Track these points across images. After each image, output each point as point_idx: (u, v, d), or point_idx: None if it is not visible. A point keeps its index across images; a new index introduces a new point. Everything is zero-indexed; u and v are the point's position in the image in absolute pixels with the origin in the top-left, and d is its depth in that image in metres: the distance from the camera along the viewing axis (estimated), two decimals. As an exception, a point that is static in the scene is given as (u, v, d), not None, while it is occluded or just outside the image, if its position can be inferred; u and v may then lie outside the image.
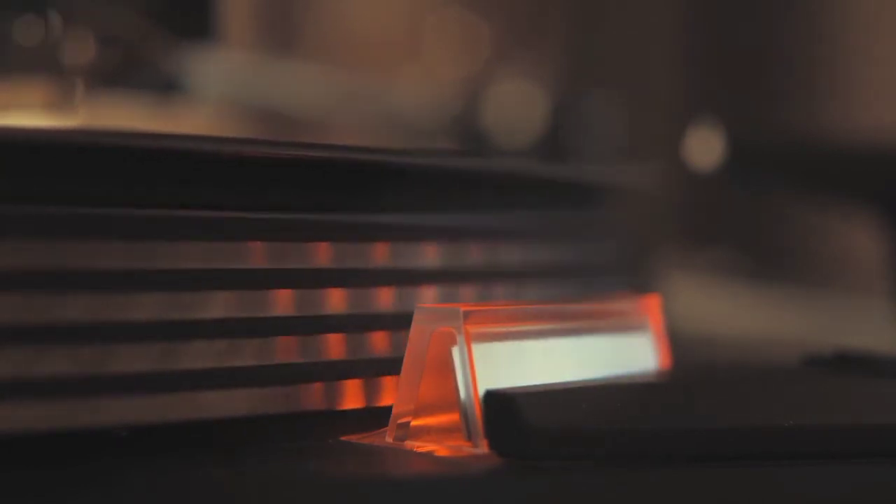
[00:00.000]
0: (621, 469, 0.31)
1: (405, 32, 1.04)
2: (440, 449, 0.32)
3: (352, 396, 0.34)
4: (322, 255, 0.33)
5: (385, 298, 0.34)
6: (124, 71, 0.58)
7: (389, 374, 0.34)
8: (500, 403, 0.32)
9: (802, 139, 0.68)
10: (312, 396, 0.33)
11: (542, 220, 0.40)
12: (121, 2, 0.59)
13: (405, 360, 0.33)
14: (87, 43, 0.57)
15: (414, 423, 0.33)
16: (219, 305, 0.32)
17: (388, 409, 0.33)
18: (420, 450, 0.32)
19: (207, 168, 0.32)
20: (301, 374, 0.33)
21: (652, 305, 0.39)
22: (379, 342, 0.34)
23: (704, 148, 0.54)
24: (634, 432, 0.32)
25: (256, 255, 0.32)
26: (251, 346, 0.32)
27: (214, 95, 0.62)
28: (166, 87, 0.60)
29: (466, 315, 0.32)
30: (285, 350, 0.33)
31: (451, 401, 0.32)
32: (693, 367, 0.41)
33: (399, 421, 0.33)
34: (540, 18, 1.12)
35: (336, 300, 0.33)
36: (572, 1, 1.15)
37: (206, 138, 0.32)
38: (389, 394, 0.34)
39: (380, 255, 0.34)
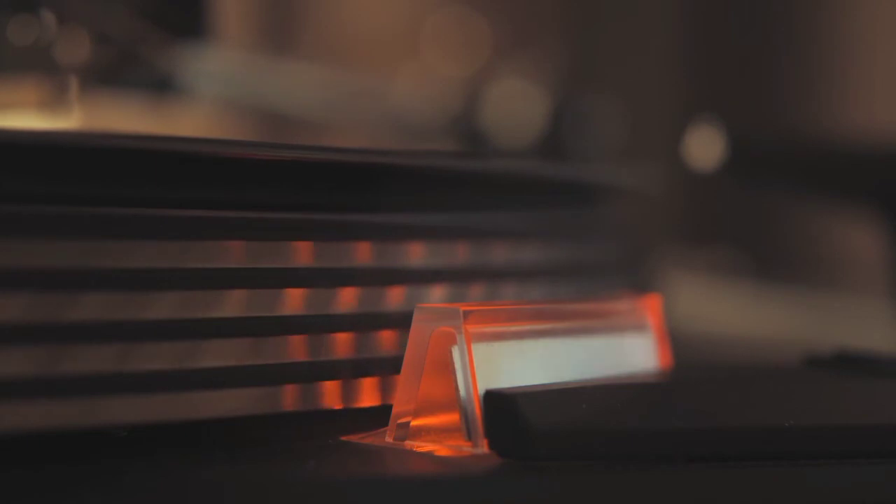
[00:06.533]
0: (621, 469, 0.31)
1: (405, 32, 1.04)
2: (440, 449, 0.32)
3: (352, 396, 0.33)
4: (322, 254, 0.33)
5: (385, 298, 0.34)
6: (119, 70, 0.58)
7: (389, 373, 0.34)
8: (500, 403, 0.32)
9: (802, 139, 0.68)
10: (312, 396, 0.33)
11: (542, 220, 0.40)
12: (115, 0, 0.59)
13: (405, 360, 0.33)
14: (82, 42, 0.57)
15: (414, 423, 0.33)
16: (218, 306, 0.31)
17: (388, 408, 0.33)
18: (420, 450, 0.32)
19: (205, 169, 0.32)
20: (301, 373, 0.33)
21: (652, 305, 0.38)
22: (379, 342, 0.34)
23: (704, 148, 0.54)
24: (634, 432, 0.32)
25: (256, 254, 0.32)
26: (251, 346, 0.32)
27: (210, 94, 0.62)
28: (161, 86, 0.60)
29: (466, 315, 0.32)
30: (285, 350, 0.32)
31: (451, 401, 0.32)
32: (693, 367, 0.41)
33: (399, 421, 0.33)
34: (540, 18, 1.12)
35: (336, 300, 0.33)
36: (572, 1, 1.15)
37: (205, 140, 0.32)
38: (389, 393, 0.34)
39: (380, 254, 0.34)
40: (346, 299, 0.34)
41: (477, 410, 0.32)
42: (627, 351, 0.37)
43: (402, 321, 0.34)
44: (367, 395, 0.34)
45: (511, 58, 0.74)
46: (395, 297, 0.35)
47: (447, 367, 0.32)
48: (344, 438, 0.33)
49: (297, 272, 0.33)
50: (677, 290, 0.65)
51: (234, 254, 0.32)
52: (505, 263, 0.38)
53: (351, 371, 0.34)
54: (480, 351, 0.32)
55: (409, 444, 0.33)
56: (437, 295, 0.36)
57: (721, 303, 0.75)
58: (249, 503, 0.29)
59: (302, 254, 0.33)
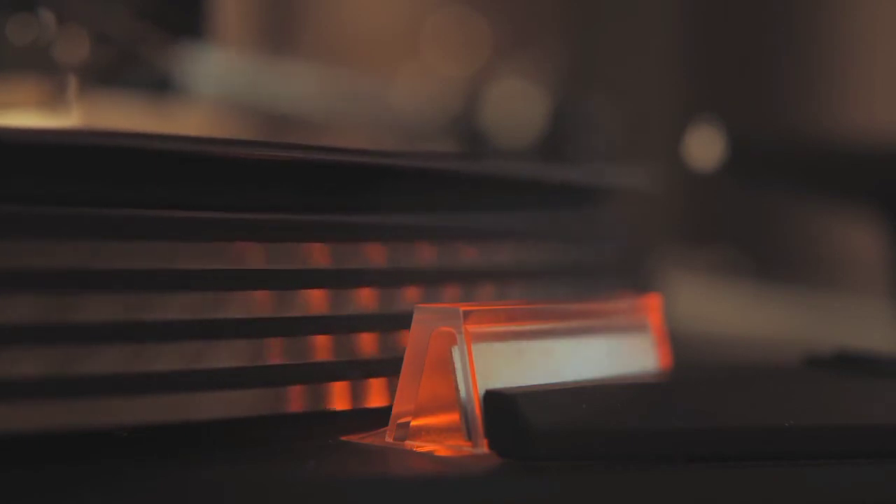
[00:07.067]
0: (621, 469, 0.31)
1: (404, 32, 1.04)
2: (440, 449, 0.32)
3: (351, 397, 0.33)
4: (322, 255, 0.33)
5: (384, 299, 0.34)
6: (118, 69, 0.58)
7: (389, 374, 0.34)
8: (500, 403, 0.31)
9: (802, 139, 0.68)
10: (312, 397, 0.33)
11: (541, 220, 0.40)
12: (115, 0, 0.59)
13: (405, 360, 0.33)
14: (81, 41, 0.57)
15: (414, 423, 0.33)
16: (218, 307, 0.31)
17: (388, 409, 0.33)
18: (420, 450, 0.32)
19: (204, 168, 0.32)
20: (301, 374, 0.33)
21: (652, 305, 0.38)
22: (379, 342, 0.34)
23: (704, 148, 0.54)
24: (634, 432, 0.32)
25: (256, 255, 0.32)
26: (251, 347, 0.32)
27: (209, 94, 0.62)
28: (161, 85, 0.60)
29: (466, 315, 0.32)
30: (285, 350, 0.32)
31: (451, 401, 0.32)
32: (693, 367, 0.41)
33: (399, 421, 0.33)
34: (540, 18, 1.12)
35: (336, 301, 0.33)
36: (572, 1, 1.15)
37: (204, 139, 0.32)
38: (389, 394, 0.34)
39: (380, 255, 0.34)
40: (347, 300, 0.34)
41: (477, 410, 0.32)
42: (627, 351, 0.37)
43: (402, 322, 0.34)
44: (368, 395, 0.34)
45: (511, 58, 0.74)
46: (395, 298, 0.35)
47: (447, 367, 0.32)
48: (344, 438, 0.33)
49: (296, 273, 0.33)
50: (677, 290, 0.65)
51: (233, 255, 0.32)
52: (504, 264, 0.38)
53: (351, 372, 0.34)
54: (480, 351, 0.32)
55: (409, 444, 0.33)
56: (436, 295, 0.36)
57: (721, 303, 0.75)
58: (249, 503, 0.29)
59: (301, 255, 0.33)
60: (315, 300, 0.33)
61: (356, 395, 0.34)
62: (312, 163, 0.33)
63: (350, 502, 0.29)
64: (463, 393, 0.32)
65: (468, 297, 0.36)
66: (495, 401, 0.32)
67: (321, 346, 0.33)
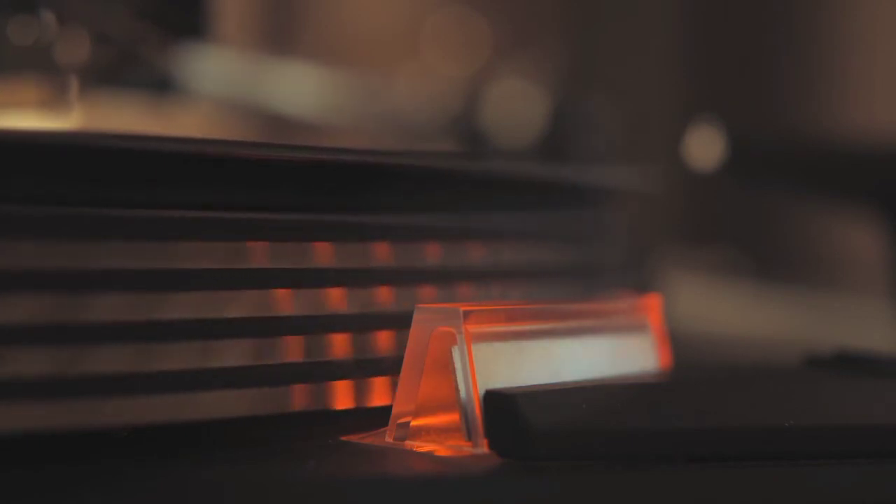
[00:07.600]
0: (621, 469, 0.31)
1: (405, 32, 1.04)
2: (440, 449, 0.32)
3: (352, 396, 0.33)
4: (322, 255, 0.33)
5: (385, 298, 0.34)
6: (119, 70, 0.58)
7: (389, 374, 0.34)
8: (500, 403, 0.32)
9: (802, 139, 0.68)
10: (312, 396, 0.33)
11: (542, 220, 0.40)
12: (115, 0, 0.59)
13: (405, 360, 0.33)
14: (82, 42, 0.57)
15: (414, 423, 0.33)
16: (218, 306, 0.31)
17: (388, 408, 0.33)
18: (420, 450, 0.32)
19: (205, 168, 0.32)
20: (301, 374, 0.33)
21: (652, 305, 0.38)
22: (379, 342, 0.34)
23: (704, 148, 0.54)
24: (634, 432, 0.32)
25: (256, 255, 0.32)
26: (251, 347, 0.32)
27: (209, 94, 0.62)
28: (161, 85, 0.60)
29: (466, 315, 0.32)
30: (285, 350, 0.32)
31: (451, 401, 0.32)
32: (693, 367, 0.41)
33: (399, 421, 0.33)
34: (540, 18, 1.12)
35: (336, 300, 0.33)
36: (572, 1, 1.15)
37: (204, 140, 0.32)
38: (389, 394, 0.34)
39: (380, 255, 0.34)
40: (347, 300, 0.34)
41: (477, 410, 0.32)
42: (627, 351, 0.37)
43: (402, 321, 0.34)
44: (368, 395, 0.34)
45: (511, 58, 0.74)
46: (395, 298, 0.35)
47: (447, 367, 0.32)
48: (344, 438, 0.33)
49: (296, 273, 0.33)
50: (677, 290, 0.65)
51: (233, 255, 0.32)
52: (505, 264, 0.38)
53: (351, 371, 0.34)
54: (480, 351, 0.32)
55: (409, 444, 0.33)
56: (436, 295, 0.36)
57: (721, 303, 0.75)
58: (249, 503, 0.29)
59: (301, 255, 0.33)
60: (316, 300, 0.33)
61: (356, 394, 0.34)
62: (315, 163, 0.33)
63: (350, 502, 0.29)
64: (463, 393, 0.32)
65: (468, 296, 0.36)
66: (495, 401, 0.32)
67: (321, 346, 0.33)
